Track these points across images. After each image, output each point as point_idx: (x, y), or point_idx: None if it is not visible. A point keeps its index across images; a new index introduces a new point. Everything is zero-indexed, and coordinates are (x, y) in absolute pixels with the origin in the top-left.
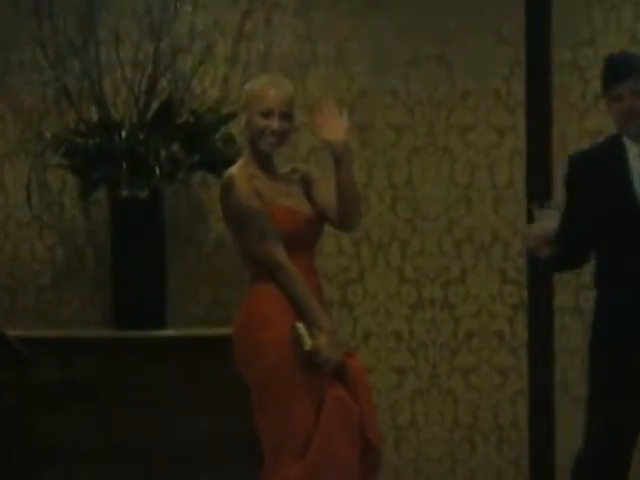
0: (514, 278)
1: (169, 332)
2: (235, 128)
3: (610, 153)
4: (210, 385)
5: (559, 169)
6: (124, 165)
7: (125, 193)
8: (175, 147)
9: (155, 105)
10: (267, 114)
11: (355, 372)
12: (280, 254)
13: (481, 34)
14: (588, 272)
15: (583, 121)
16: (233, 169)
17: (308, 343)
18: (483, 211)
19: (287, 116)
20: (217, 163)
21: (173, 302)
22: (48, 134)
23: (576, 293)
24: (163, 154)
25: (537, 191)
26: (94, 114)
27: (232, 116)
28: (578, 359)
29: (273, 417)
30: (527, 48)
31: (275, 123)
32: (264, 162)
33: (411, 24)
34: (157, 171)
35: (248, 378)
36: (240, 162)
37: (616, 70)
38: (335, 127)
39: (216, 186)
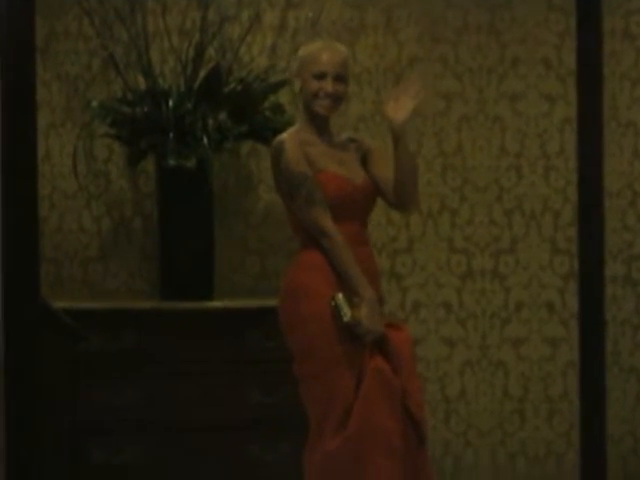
0: (564, 248)
1: (216, 303)
2: (284, 97)
3: None
4: (258, 356)
5: None
6: (171, 134)
7: (172, 163)
8: (223, 116)
9: (202, 74)
10: (321, 77)
11: (399, 344)
12: (326, 221)
13: (531, 2)
14: (639, 242)
15: (634, 89)
16: (284, 134)
17: (347, 314)
18: (534, 180)
19: (341, 79)
20: (265, 132)
21: (220, 273)
22: (95, 103)
23: (627, 263)
24: (211, 123)
25: (588, 160)
26: (141, 83)
27: (281, 84)
28: (629, 330)
29: (314, 389)
30: (578, 16)
31: (329, 85)
32: (319, 127)
33: None
34: (205, 140)
35: (291, 348)
36: (293, 128)
37: None
38: (400, 105)
39: (265, 156)
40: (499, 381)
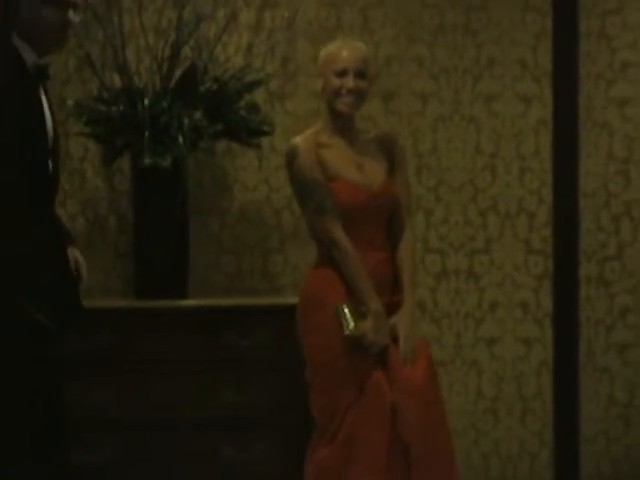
0: (539, 248)
1: (191, 302)
2: (259, 96)
3: None
4: (232, 356)
5: None
6: (147, 133)
7: (148, 161)
8: (198, 115)
9: (178, 73)
10: (342, 73)
11: (396, 363)
12: (335, 230)
13: (507, 2)
14: (614, 243)
15: (610, 90)
16: (300, 137)
17: (350, 326)
18: (509, 181)
19: (362, 75)
20: (241, 131)
21: (195, 272)
22: (70, 102)
23: (601, 264)
24: (186, 122)
25: (563, 161)
26: (117, 82)
27: (256, 84)
28: (603, 330)
29: (318, 399)
30: (554, 16)
31: (350, 82)
32: (342, 126)
33: None
34: (180, 139)
35: (303, 355)
36: (313, 129)
37: None
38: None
39: (240, 154)
40: (473, 381)
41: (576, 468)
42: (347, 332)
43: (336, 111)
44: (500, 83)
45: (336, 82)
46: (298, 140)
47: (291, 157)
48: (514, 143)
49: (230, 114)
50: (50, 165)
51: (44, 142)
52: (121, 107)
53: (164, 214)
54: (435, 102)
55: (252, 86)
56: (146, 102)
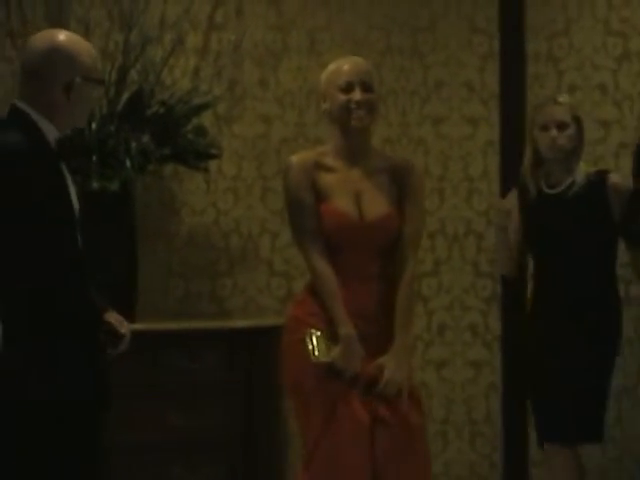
0: (487, 271)
1: (139, 326)
2: (207, 119)
3: None
4: (181, 379)
5: None
6: (94, 157)
7: (95, 185)
8: (146, 139)
9: (125, 96)
10: (347, 88)
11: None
12: (311, 253)
13: (455, 24)
14: None
15: None
16: (298, 154)
17: (315, 352)
18: (456, 203)
19: (368, 87)
20: (188, 155)
21: (143, 296)
22: None
23: None
24: (134, 146)
25: (510, 182)
26: None
27: (203, 107)
28: None
29: (296, 421)
30: (501, 39)
31: (358, 94)
32: (355, 149)
33: (383, 14)
34: (128, 163)
35: None
36: (321, 148)
37: None
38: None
39: (188, 178)
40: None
41: None
42: (313, 358)
43: (350, 129)
44: (447, 105)
45: (342, 98)
46: (294, 158)
47: (284, 174)
48: (461, 165)
49: (177, 137)
50: (79, 239)
51: (71, 215)
52: (68, 131)
53: (112, 238)
54: (383, 124)
55: (199, 109)
56: (93, 126)
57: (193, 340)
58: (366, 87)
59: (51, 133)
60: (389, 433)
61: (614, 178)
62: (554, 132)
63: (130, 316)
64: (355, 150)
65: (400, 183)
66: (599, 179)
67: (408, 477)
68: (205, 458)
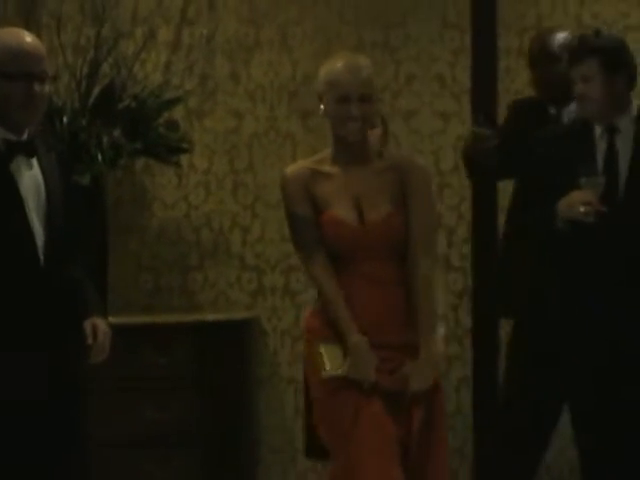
0: (458, 265)
1: (109, 320)
2: (178, 113)
3: None
4: (151, 373)
5: None
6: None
7: None
8: (117, 133)
9: (97, 90)
10: (344, 100)
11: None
12: (312, 264)
13: (426, 19)
14: None
15: None
16: (294, 166)
17: (325, 367)
18: None
19: (367, 99)
20: (160, 149)
21: (114, 289)
22: None
23: None
24: (105, 140)
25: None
26: None
27: (175, 101)
28: None
29: (327, 438)
30: (472, 33)
31: (354, 109)
32: (350, 153)
33: (355, 9)
34: (99, 157)
35: None
36: (319, 155)
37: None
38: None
39: (159, 172)
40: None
41: None
42: (324, 374)
43: (342, 138)
44: (419, 100)
45: (338, 110)
46: (289, 170)
47: (281, 186)
48: (433, 159)
49: (149, 132)
50: (40, 238)
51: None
52: (39, 125)
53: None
54: None
55: (171, 104)
56: (65, 120)
57: (163, 334)
58: (364, 98)
59: None
60: (412, 445)
61: None
62: None
63: None
64: (352, 155)
65: (402, 182)
66: None
67: None
68: (176, 452)
